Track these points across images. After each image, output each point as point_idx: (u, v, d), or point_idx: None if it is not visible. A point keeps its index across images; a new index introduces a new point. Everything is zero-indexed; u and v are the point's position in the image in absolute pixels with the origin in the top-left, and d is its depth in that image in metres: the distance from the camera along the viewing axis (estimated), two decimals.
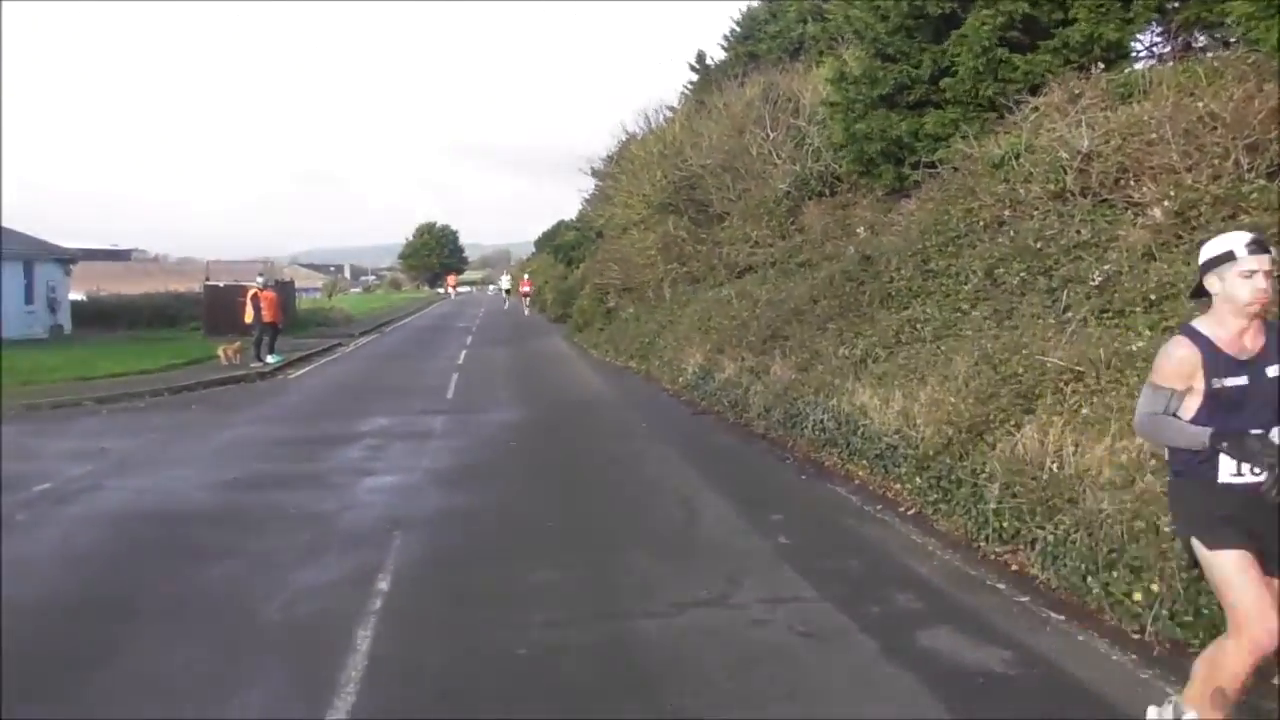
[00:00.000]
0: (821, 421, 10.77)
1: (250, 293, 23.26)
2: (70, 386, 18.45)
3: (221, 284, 34.68)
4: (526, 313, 47.30)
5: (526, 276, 52.84)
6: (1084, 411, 7.12)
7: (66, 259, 36.06)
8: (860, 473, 9.66)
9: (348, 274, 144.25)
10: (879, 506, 8.66)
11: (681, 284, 23.29)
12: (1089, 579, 5.92)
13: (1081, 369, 7.55)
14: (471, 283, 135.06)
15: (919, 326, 10.99)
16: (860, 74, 15.55)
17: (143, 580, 6.97)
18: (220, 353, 23.05)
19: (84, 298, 43.78)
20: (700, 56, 34.70)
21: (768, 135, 21.28)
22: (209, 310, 33.08)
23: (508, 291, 54.38)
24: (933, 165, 14.00)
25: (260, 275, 24.68)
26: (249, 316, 22.93)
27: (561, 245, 50.69)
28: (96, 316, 37.82)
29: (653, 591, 6.42)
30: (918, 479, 8.37)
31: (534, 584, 6.67)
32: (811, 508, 8.71)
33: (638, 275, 26.34)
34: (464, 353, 27.14)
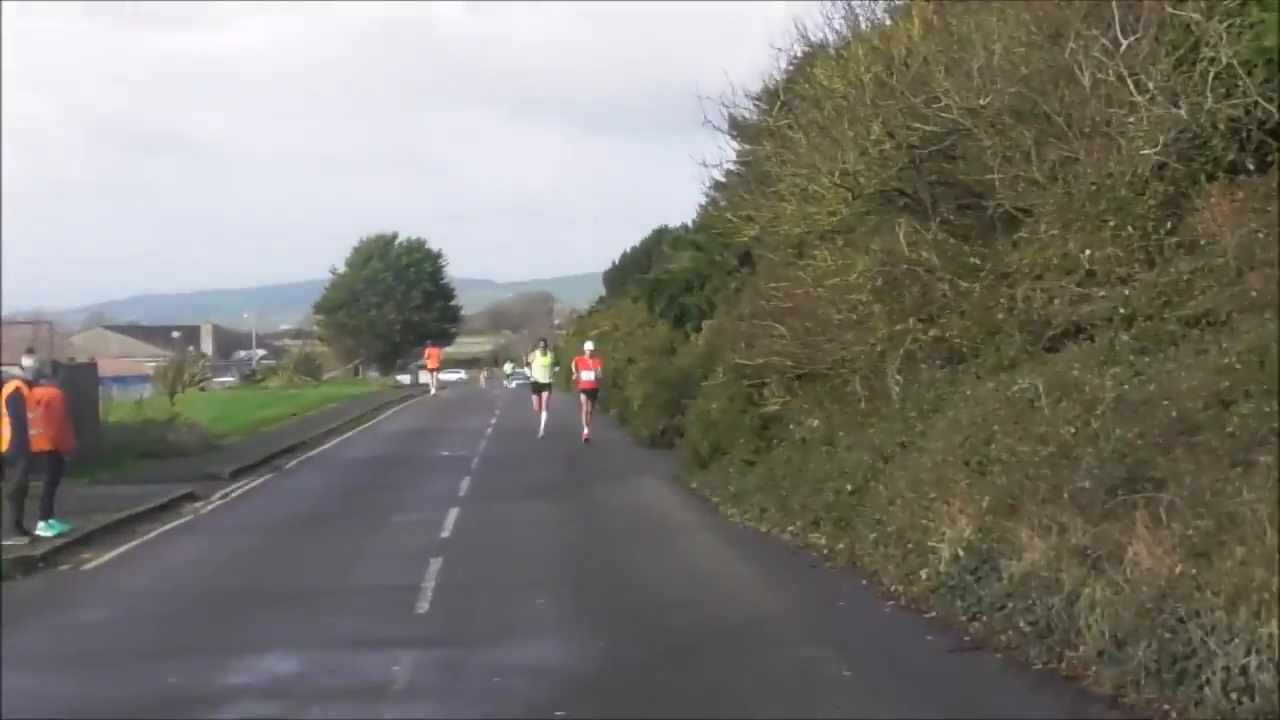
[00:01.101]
0: (1243, 670, 10.62)
1: (6, 391, 23.98)
2: None
3: None
4: (586, 431, 46.16)
5: (587, 351, 50.88)
6: None
7: None
8: None
9: (208, 346, 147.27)
10: None
11: (925, 364, 23.16)
12: None
13: None
14: (470, 362, 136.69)
15: None
16: None
17: None
18: None
19: None
20: None
21: (1114, 44, 21.16)
22: None
23: (544, 386, 50.06)
24: None
25: (29, 354, 25.31)
26: (3, 441, 23.63)
27: (664, 282, 50.59)
28: None
29: None
30: None
31: None
32: None
33: (828, 345, 26.32)
34: (454, 514, 27.47)
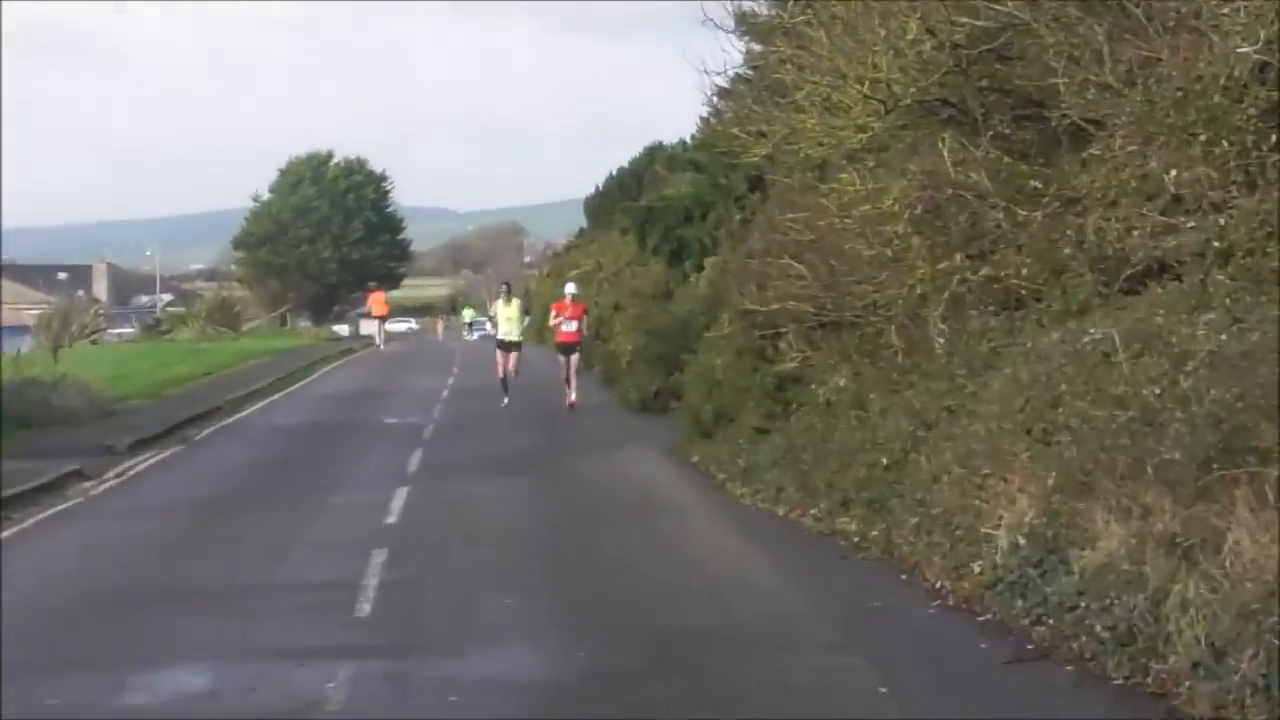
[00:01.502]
0: None
1: None
2: None
3: None
4: (572, 395, 45.12)
5: (568, 295, 49.73)
6: None
7: None
8: None
9: (102, 289, 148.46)
10: None
11: (976, 309, 23.02)
12: None
13: None
14: (423, 309, 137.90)
15: None
16: None
17: None
18: None
19: None
20: None
21: None
22: None
23: (510, 344, 46.83)
24: None
25: None
26: None
27: (657, 211, 50.79)
28: None
29: None
30: None
31: None
32: None
33: (857, 288, 26.13)
34: (402, 495, 27.55)
